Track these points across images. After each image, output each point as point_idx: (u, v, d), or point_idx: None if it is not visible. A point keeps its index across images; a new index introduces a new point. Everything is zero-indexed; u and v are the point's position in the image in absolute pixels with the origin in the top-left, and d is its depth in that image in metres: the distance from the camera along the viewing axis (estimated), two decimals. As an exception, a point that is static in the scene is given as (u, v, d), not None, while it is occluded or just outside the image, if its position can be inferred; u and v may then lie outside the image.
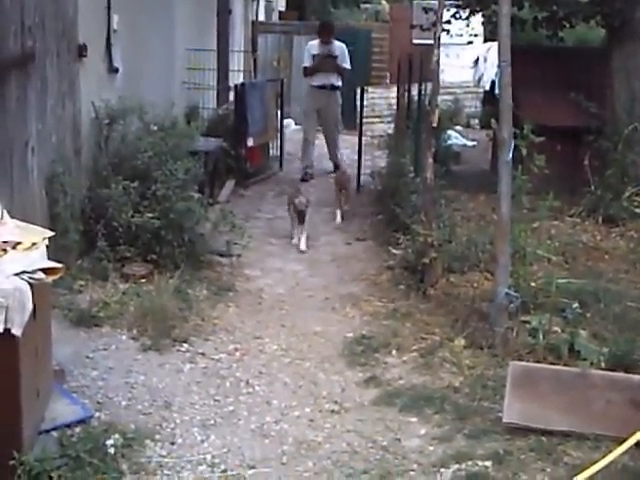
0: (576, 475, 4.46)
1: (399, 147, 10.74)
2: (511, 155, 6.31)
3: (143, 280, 7.26)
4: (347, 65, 12.78)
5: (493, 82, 15.97)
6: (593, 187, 9.92)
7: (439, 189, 8.45)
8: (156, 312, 6.55)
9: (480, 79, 17.93)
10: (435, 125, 7.60)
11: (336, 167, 12.40)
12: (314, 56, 12.70)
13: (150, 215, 7.46)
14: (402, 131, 11.60)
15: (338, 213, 10.14)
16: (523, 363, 5.53)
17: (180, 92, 11.39)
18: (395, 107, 14.50)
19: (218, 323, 6.81)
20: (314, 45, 12.90)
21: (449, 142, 13.70)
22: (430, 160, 7.56)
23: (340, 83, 12.86)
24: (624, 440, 4.69)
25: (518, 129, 6.51)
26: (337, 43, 12.80)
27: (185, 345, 6.34)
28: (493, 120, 6.58)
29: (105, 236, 7.41)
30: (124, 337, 6.39)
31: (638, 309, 6.96)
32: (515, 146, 6.44)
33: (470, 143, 15.52)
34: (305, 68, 12.91)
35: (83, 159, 7.75)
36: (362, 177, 11.81)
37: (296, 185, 10.20)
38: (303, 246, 8.98)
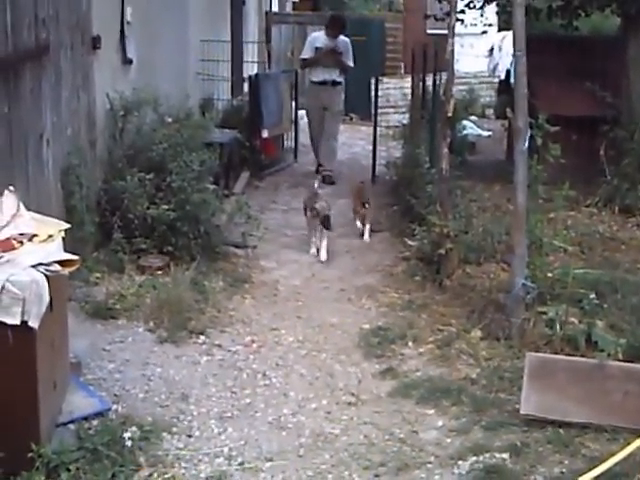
0: (595, 467, 4.44)
1: (414, 138, 10.72)
2: (527, 145, 6.28)
3: (159, 272, 7.26)
4: (350, 62, 12.13)
5: (508, 71, 15.95)
6: (609, 177, 9.90)
7: (455, 179, 8.43)
8: (172, 304, 6.54)
9: (495, 68, 17.88)
10: (450, 115, 7.58)
11: (319, 165, 12.08)
12: (317, 49, 12.10)
13: (165, 207, 7.46)
14: (417, 121, 11.56)
15: (366, 231, 9.10)
16: (540, 354, 5.50)
17: (194, 83, 11.38)
18: (410, 97, 14.45)
19: (234, 315, 6.82)
20: (318, 37, 12.31)
21: (464, 132, 13.67)
22: (445, 150, 7.53)
23: (342, 79, 12.27)
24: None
25: (533, 119, 6.47)
26: (342, 38, 12.17)
27: (202, 337, 6.35)
28: (508, 109, 6.54)
29: (121, 228, 7.41)
30: (140, 329, 6.40)
31: (655, 300, 6.93)
32: (531, 136, 6.40)
33: (485, 133, 15.48)
34: (304, 60, 12.35)
35: (98, 151, 7.75)
36: (377, 168, 11.78)
37: (312, 189, 9.18)
38: (324, 256, 8.32)
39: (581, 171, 9.21)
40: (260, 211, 9.29)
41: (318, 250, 8.38)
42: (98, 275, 7.08)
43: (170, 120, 8.47)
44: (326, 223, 8.29)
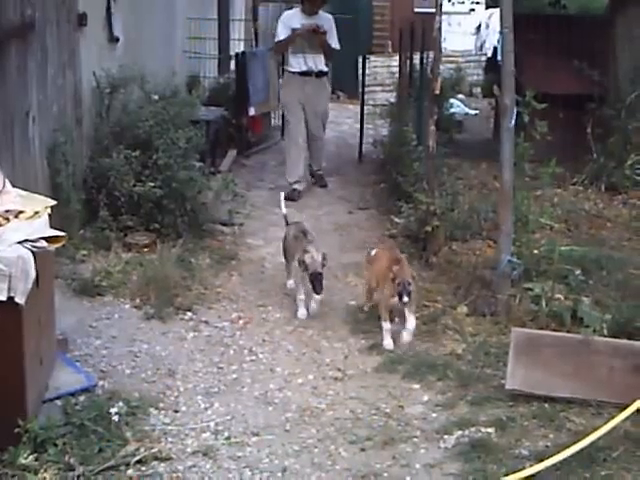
0: (579, 441, 4.48)
1: (401, 116, 10.71)
2: (513, 122, 6.28)
3: (146, 249, 7.28)
4: (336, 44, 9.93)
5: (495, 49, 15.93)
6: (596, 155, 9.91)
7: (441, 157, 8.42)
8: (159, 281, 6.56)
9: (482, 46, 17.88)
10: (437, 93, 7.57)
11: (312, 176, 10.34)
12: (294, 30, 9.82)
13: (152, 184, 7.46)
14: (404, 99, 11.54)
15: (405, 335, 5.95)
16: (526, 330, 5.52)
17: (181, 61, 11.35)
18: (397, 76, 14.44)
19: (221, 291, 6.82)
20: (294, 15, 9.97)
21: (452, 110, 13.66)
22: (432, 128, 7.53)
23: (327, 68, 10.23)
24: (626, 406, 4.71)
25: (520, 96, 6.48)
26: (324, 15, 10.01)
27: (188, 313, 6.36)
28: (495, 87, 6.54)
29: (107, 206, 7.43)
30: (127, 306, 6.41)
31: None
32: (517, 113, 6.40)
33: (473, 112, 15.49)
34: (279, 42, 10.00)
35: (84, 128, 7.74)
36: (364, 146, 11.77)
37: (300, 226, 6.94)
38: (314, 308, 6.50)
39: (568, 149, 9.21)
40: (247, 189, 9.27)
41: (308, 309, 6.49)
42: (85, 252, 7.10)
43: (156, 98, 8.44)
44: (316, 285, 6.28)
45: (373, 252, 6.59)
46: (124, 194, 7.45)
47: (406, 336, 5.90)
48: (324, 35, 9.73)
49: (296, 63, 9.93)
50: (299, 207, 9.12)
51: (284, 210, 7.33)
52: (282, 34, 9.84)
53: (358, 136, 11.97)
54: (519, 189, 6.73)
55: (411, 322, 5.91)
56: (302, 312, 6.46)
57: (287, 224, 7.09)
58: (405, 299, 5.79)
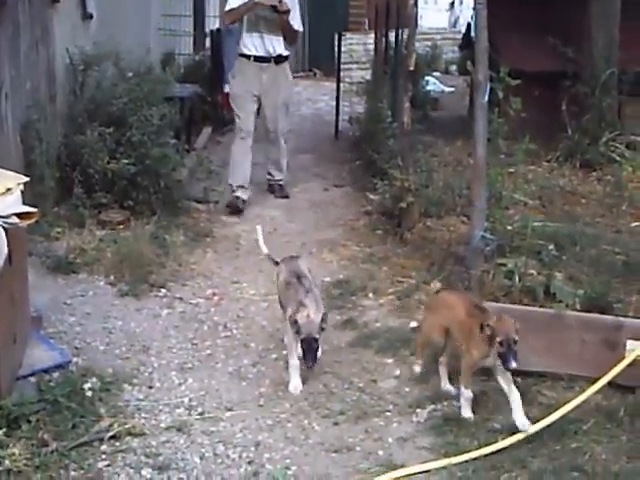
0: (550, 414, 4.53)
1: (377, 93, 10.70)
2: (487, 98, 6.29)
3: (120, 226, 7.27)
4: (299, 26, 8.65)
5: (469, 25, 15.89)
6: (570, 132, 9.93)
7: (416, 134, 8.43)
8: (133, 258, 6.56)
9: (456, 22, 17.86)
10: (412, 69, 7.58)
11: (270, 186, 8.99)
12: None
13: (126, 161, 7.43)
14: (380, 77, 11.54)
15: (521, 420, 4.58)
16: (498, 304, 5.54)
17: (156, 38, 11.30)
18: (373, 53, 14.41)
19: (196, 268, 6.83)
20: None
21: (427, 88, 13.66)
22: (407, 104, 7.54)
23: (288, 53, 8.80)
24: (597, 380, 4.76)
25: (495, 73, 6.49)
26: None
27: (163, 290, 6.37)
28: (469, 63, 6.55)
29: (81, 183, 7.40)
30: (101, 283, 6.41)
31: (614, 252, 7.01)
32: (491, 89, 6.41)
33: (448, 89, 15.48)
34: (230, 11, 8.51)
35: (58, 105, 7.69)
36: (340, 123, 11.77)
37: (294, 265, 5.55)
38: (295, 385, 5.10)
39: (543, 126, 9.24)
40: (222, 166, 9.22)
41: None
42: (59, 230, 7.08)
43: (131, 75, 8.40)
44: (308, 355, 4.95)
45: (438, 292, 5.35)
46: (98, 171, 7.42)
47: (522, 420, 4.54)
48: (286, 14, 8.30)
49: (251, 44, 8.46)
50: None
51: (264, 249, 5.88)
52: (235, 2, 8.37)
53: (334, 113, 11.95)
54: (493, 165, 6.74)
55: (516, 396, 4.60)
56: (295, 384, 5.08)
57: (276, 263, 5.73)
58: (513, 364, 4.55)
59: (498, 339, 4.56)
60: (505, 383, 4.65)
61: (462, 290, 5.76)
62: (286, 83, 8.79)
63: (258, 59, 8.51)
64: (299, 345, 4.99)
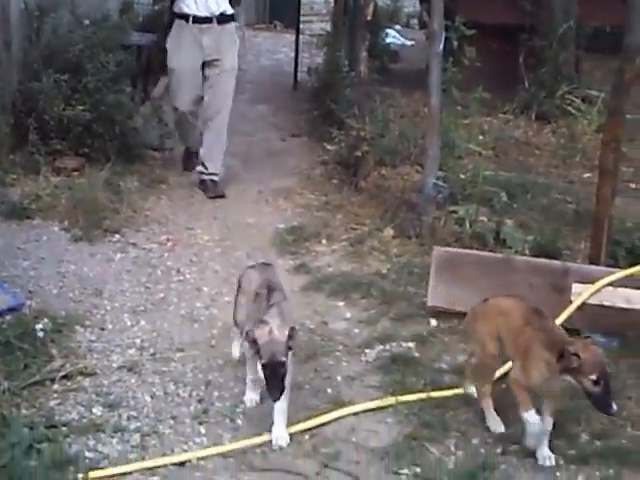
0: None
1: (336, 44, 10.68)
2: (442, 47, 6.34)
3: (75, 173, 7.26)
4: None
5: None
6: (527, 85, 10.00)
7: (374, 84, 8.46)
8: (87, 204, 6.58)
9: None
10: (370, 19, 7.60)
11: (202, 182, 7.44)
12: None
13: (81, 108, 7.39)
14: (339, 28, 11.51)
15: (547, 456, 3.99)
16: (447, 248, 5.63)
17: (114, -13, 11.15)
18: (333, 5, 14.35)
19: (150, 215, 6.84)
20: None
21: (387, 40, 13.65)
22: (364, 54, 7.56)
23: (233, 11, 7.50)
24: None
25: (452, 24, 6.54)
26: None
27: (116, 236, 6.38)
28: (424, 13, 6.59)
29: (36, 130, 7.36)
30: (56, 229, 6.43)
31: (565, 201, 7.12)
32: (446, 39, 6.46)
33: (408, 42, 15.47)
34: None
35: (13, 52, 7.61)
36: (299, 75, 11.75)
37: (267, 273, 4.65)
38: (283, 441, 4.07)
39: (500, 78, 9.30)
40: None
41: (260, 400, 4.39)
42: (14, 177, 7.09)
43: (87, 22, 8.33)
44: (272, 385, 3.96)
45: (485, 301, 4.39)
46: (53, 118, 7.37)
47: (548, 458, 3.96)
48: None
49: (191, 1, 7.26)
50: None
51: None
52: None
53: (293, 65, 11.92)
54: (448, 115, 6.82)
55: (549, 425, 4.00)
56: (250, 397, 4.40)
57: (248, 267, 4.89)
58: (614, 408, 3.78)
59: (592, 377, 3.70)
60: (546, 412, 3.97)
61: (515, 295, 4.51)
62: (231, 49, 7.43)
63: (198, 20, 7.25)
64: (260, 370, 4.02)
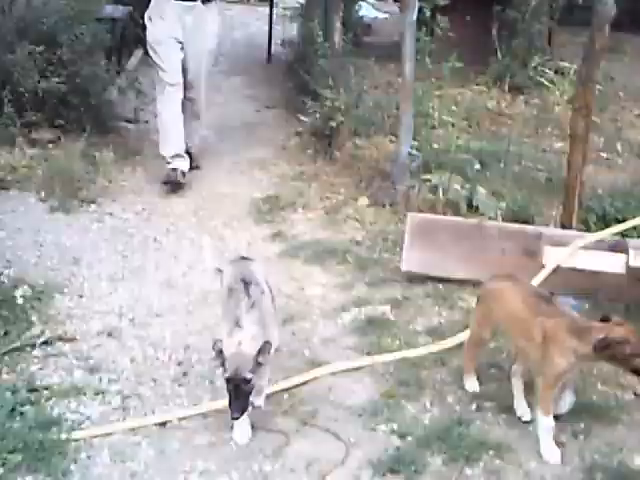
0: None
1: (309, 15, 10.68)
2: (415, 16, 6.39)
3: (50, 145, 7.27)
4: None
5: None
6: (500, 56, 10.05)
7: (348, 56, 8.49)
8: (64, 175, 6.62)
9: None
10: (343, -11, 7.64)
11: (191, 162, 7.12)
12: None
13: (56, 80, 7.38)
14: (313, 1, 11.50)
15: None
16: (421, 214, 5.71)
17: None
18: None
19: (125, 185, 6.88)
20: None
21: (360, 13, 13.64)
22: (338, 24, 7.64)
23: None
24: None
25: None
26: None
27: (93, 206, 6.43)
28: (398, -18, 6.63)
29: (11, 102, 7.33)
30: (32, 199, 6.46)
31: (536, 169, 7.21)
32: (420, 8, 6.51)
33: (383, 15, 15.47)
34: None
35: (-13, 24, 7.61)
36: (273, 47, 11.75)
37: (243, 269, 4.23)
38: (245, 438, 3.90)
39: (473, 50, 9.33)
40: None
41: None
42: (-11, 149, 7.07)
43: (62, -6, 8.30)
44: (234, 401, 3.69)
45: (494, 282, 4.30)
46: (28, 90, 7.36)
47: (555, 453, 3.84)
48: None
49: None
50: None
51: (210, 261, 4.68)
52: None
53: (267, 38, 11.91)
54: (422, 86, 6.87)
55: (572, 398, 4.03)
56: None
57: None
58: None
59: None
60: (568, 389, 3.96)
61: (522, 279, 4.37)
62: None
63: None
64: (228, 391, 3.72)
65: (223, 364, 3.72)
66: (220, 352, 3.73)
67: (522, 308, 3.95)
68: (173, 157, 6.93)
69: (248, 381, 3.66)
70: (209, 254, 4.72)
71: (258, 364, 3.70)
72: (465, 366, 4.32)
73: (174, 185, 6.83)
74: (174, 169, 6.87)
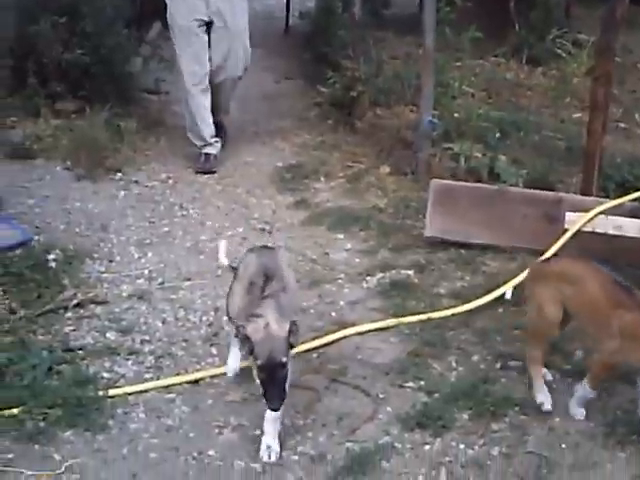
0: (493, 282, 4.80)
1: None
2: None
3: (74, 115, 7.34)
4: None
5: None
6: (518, 28, 10.08)
7: (367, 27, 8.55)
8: (89, 144, 6.69)
9: None
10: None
11: (218, 129, 6.92)
12: None
13: (80, 51, 7.45)
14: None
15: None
16: (444, 181, 5.78)
17: None
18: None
19: (150, 154, 6.95)
20: None
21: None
22: (357, -4, 7.68)
23: None
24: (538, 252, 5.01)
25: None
26: None
27: (119, 174, 6.52)
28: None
29: (35, 73, 7.42)
30: (58, 168, 6.55)
31: (556, 138, 7.26)
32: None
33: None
34: None
35: (10, -5, 7.68)
36: (291, 19, 11.79)
37: (265, 259, 4.00)
38: (273, 455, 3.57)
39: (491, 21, 9.35)
40: (171, 60, 9.29)
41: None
42: (14, 119, 7.18)
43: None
44: (270, 391, 3.44)
45: (550, 261, 4.28)
46: (52, 61, 7.44)
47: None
48: None
49: None
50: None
51: (223, 259, 4.41)
52: None
53: (284, 10, 11.95)
54: (442, 58, 6.93)
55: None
56: (232, 366, 4.09)
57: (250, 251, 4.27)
58: None
59: None
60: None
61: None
62: (241, 4, 6.72)
63: None
64: (255, 373, 3.48)
65: (252, 351, 3.43)
66: (246, 338, 3.44)
67: (601, 297, 3.73)
68: (204, 145, 6.75)
69: (284, 365, 3.40)
70: (223, 253, 4.44)
71: (291, 346, 3.47)
72: (531, 371, 3.98)
73: (208, 171, 6.65)
74: (207, 154, 6.73)
